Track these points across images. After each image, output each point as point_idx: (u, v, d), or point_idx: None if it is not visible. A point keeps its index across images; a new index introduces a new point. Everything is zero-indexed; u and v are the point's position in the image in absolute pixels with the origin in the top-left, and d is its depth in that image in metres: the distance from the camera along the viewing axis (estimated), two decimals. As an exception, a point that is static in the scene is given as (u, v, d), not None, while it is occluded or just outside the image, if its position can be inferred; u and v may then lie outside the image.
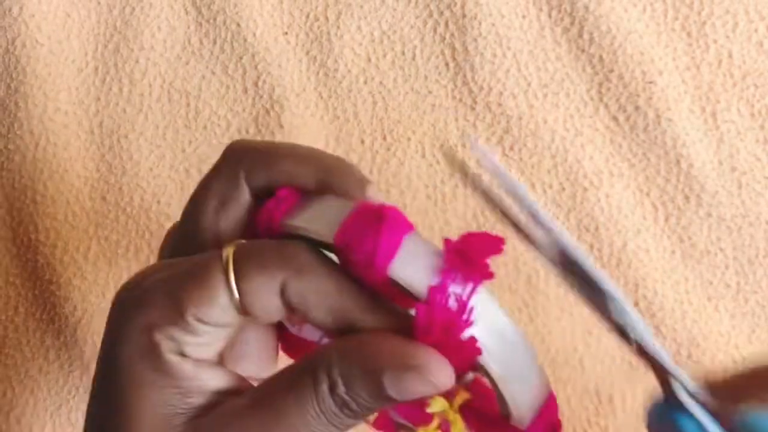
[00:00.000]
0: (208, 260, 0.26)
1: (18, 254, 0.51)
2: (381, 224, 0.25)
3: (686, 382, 0.24)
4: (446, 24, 0.51)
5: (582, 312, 0.47)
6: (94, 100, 0.53)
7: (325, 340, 0.31)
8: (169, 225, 0.50)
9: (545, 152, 0.48)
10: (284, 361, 0.31)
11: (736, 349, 0.45)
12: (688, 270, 0.46)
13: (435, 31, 0.51)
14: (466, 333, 0.25)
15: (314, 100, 0.51)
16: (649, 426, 0.25)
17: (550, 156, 0.48)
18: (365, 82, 0.51)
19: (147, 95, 0.53)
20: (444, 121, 0.50)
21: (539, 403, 0.27)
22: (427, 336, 0.25)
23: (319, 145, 0.50)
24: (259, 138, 0.50)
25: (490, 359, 0.25)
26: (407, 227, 0.26)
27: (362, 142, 0.50)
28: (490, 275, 0.25)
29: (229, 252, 0.26)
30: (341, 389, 0.25)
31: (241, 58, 0.52)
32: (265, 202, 0.28)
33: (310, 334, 0.31)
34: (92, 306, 0.49)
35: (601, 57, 0.48)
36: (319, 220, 0.27)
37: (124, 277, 0.50)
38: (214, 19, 0.53)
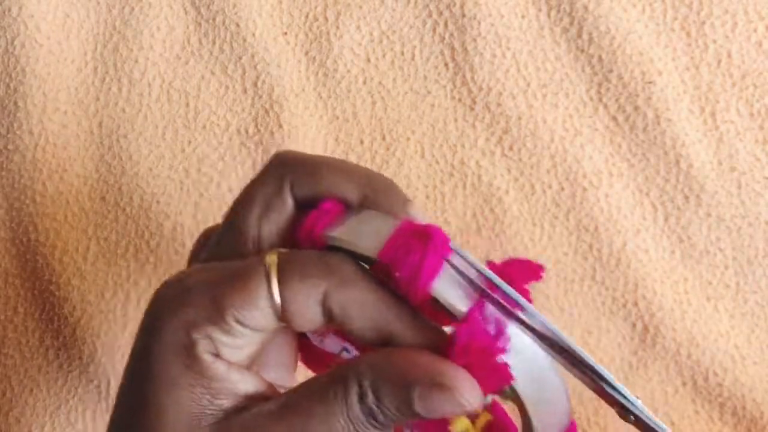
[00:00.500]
0: (251, 264, 0.27)
1: (17, 254, 0.51)
2: (427, 243, 0.26)
3: None
4: (445, 24, 0.51)
5: (582, 312, 0.47)
6: (93, 100, 0.53)
7: (345, 354, 0.31)
8: (168, 225, 0.51)
9: (544, 152, 0.48)
10: (301, 371, 0.31)
11: (736, 349, 0.45)
12: (687, 270, 0.46)
13: (434, 31, 0.51)
14: (501, 358, 0.25)
15: (313, 100, 0.51)
16: None
17: (549, 156, 0.48)
18: (364, 82, 0.51)
19: (146, 95, 0.53)
20: (443, 122, 0.50)
21: (563, 429, 0.27)
22: (463, 356, 0.25)
23: (318, 145, 0.50)
24: (257, 138, 0.50)
25: (522, 384, 0.26)
26: (449, 246, 0.26)
27: (361, 142, 0.50)
28: (530, 300, 0.26)
29: (272, 258, 0.26)
30: (371, 399, 0.25)
31: (240, 58, 0.52)
32: (308, 213, 0.28)
33: (331, 346, 0.31)
34: (91, 306, 0.49)
35: (600, 57, 0.48)
36: (362, 234, 0.27)
37: (124, 277, 0.50)
38: (214, 19, 0.53)
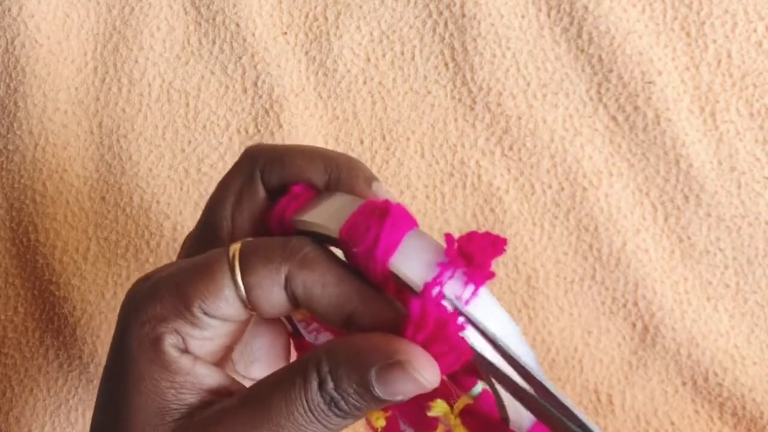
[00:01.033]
0: (215, 255, 0.27)
1: (17, 254, 0.51)
2: (385, 219, 0.26)
3: None
4: (445, 24, 0.51)
5: (582, 312, 0.47)
6: (93, 100, 0.53)
7: None
8: (168, 225, 0.51)
9: (544, 152, 0.48)
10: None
11: (736, 349, 0.45)
12: (687, 270, 0.46)
13: (434, 31, 0.51)
14: (463, 333, 0.25)
15: (313, 100, 0.51)
16: None
17: (549, 156, 0.48)
18: (364, 82, 0.51)
19: (146, 95, 0.53)
20: (443, 121, 0.50)
21: None
22: (419, 331, 0.25)
23: (318, 144, 0.50)
24: (258, 138, 0.50)
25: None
26: (411, 223, 0.26)
27: (361, 142, 0.50)
28: (491, 275, 0.25)
29: (236, 247, 0.27)
30: (330, 386, 0.25)
31: (240, 58, 0.52)
32: (278, 199, 0.29)
33: (325, 341, 0.31)
34: (91, 306, 0.49)
35: (600, 57, 0.48)
36: (326, 215, 0.27)
37: (124, 277, 0.50)
38: (214, 19, 0.53)
